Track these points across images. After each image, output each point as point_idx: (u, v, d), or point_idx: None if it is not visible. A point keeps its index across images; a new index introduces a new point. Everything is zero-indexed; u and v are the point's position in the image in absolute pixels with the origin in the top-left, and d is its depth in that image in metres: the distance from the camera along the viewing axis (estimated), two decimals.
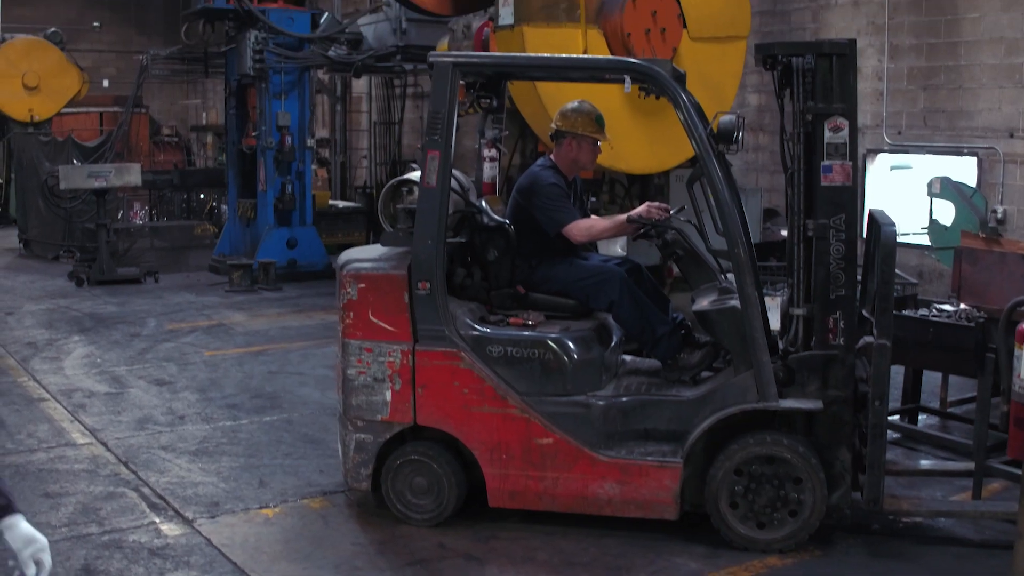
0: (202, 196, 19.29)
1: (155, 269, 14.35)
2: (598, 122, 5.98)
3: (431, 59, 5.57)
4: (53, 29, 18.83)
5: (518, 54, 7.42)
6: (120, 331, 10.78)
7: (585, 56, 7.70)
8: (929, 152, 11.65)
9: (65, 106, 18.64)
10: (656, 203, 5.96)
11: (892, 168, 12.42)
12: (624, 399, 5.50)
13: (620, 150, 7.74)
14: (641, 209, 5.86)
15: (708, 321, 5.49)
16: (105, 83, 24.44)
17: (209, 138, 24.69)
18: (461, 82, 5.67)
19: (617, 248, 7.66)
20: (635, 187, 9.52)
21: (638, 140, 8.33)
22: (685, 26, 8.74)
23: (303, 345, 10.12)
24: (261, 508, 5.85)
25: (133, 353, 9.78)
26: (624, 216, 5.90)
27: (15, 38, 18.48)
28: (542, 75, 6.55)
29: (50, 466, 6.54)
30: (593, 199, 8.28)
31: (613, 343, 5.82)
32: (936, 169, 11.30)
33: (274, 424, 7.48)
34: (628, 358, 6.16)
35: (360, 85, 20.15)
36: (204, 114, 26.91)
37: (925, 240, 11.02)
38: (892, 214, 5.62)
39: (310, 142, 14.94)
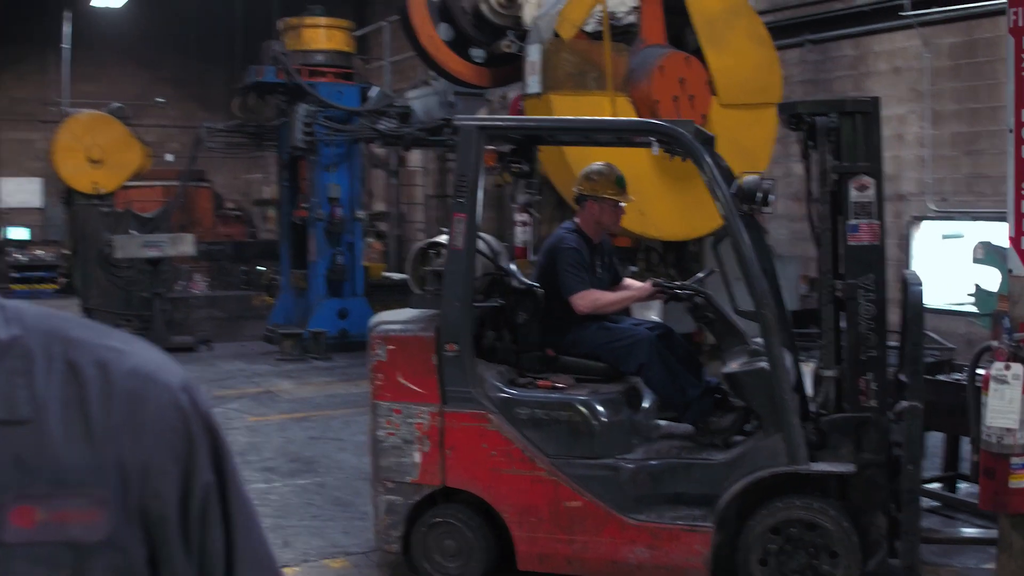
0: (262, 268, 19.60)
1: (209, 338, 14.56)
2: (619, 184, 5.96)
3: (456, 122, 5.65)
4: (118, 104, 19.36)
5: (542, 117, 7.45)
6: None
7: (608, 118, 7.71)
8: (974, 218, 11.49)
9: (129, 179, 19.10)
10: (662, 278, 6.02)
11: (944, 237, 12.25)
12: (654, 463, 5.44)
13: (651, 217, 7.72)
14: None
15: (736, 383, 5.45)
16: (169, 157, 24.96)
17: (270, 211, 25.11)
18: (492, 148, 5.74)
19: (651, 314, 7.63)
20: (670, 255, 9.49)
21: (669, 206, 8.30)
22: (715, 93, 8.75)
23: (347, 412, 10.17)
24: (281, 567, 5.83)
25: None
26: (648, 283, 5.93)
27: (80, 113, 19.02)
28: (568, 138, 6.57)
29: None
30: (634, 268, 8.26)
31: (644, 406, 5.78)
32: (985, 235, 11.12)
33: (307, 487, 7.51)
34: (663, 423, 6.11)
35: (415, 159, 20.43)
36: (266, 188, 27.41)
37: (974, 308, 10.82)
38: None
39: (360, 214, 15.14)
